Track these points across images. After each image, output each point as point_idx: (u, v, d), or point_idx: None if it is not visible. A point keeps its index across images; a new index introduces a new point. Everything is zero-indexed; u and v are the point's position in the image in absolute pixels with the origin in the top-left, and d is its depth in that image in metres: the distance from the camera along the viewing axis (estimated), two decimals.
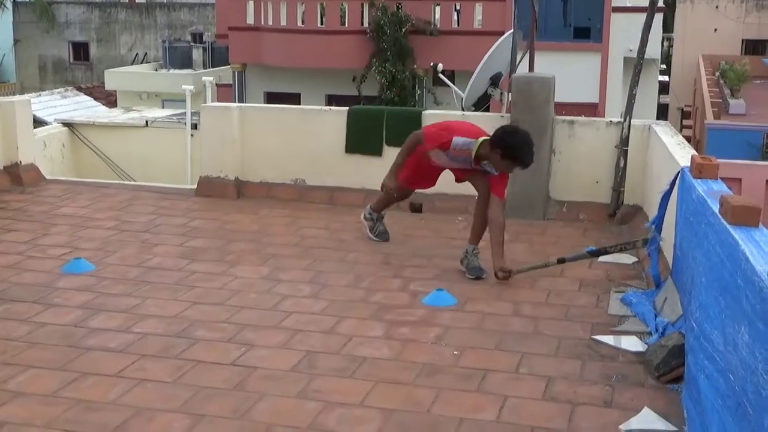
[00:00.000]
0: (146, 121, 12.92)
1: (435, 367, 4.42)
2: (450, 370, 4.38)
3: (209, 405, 3.98)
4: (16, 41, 42.38)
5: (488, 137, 5.86)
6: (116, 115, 14.29)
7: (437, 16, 22.32)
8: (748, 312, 3.06)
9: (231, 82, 24.02)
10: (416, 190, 6.93)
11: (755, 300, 2.98)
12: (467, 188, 7.69)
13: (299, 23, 22.52)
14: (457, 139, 5.96)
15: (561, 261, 5.94)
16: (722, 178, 4.80)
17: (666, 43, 42.60)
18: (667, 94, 39.69)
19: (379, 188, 6.54)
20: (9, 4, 40.30)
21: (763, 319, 2.88)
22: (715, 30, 41.15)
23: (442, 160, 6.22)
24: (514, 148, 5.73)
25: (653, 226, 5.62)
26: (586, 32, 22.37)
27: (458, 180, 6.43)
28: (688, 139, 18.28)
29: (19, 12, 41.68)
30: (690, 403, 3.83)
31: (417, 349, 4.65)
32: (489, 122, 7.73)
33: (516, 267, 5.89)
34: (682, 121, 36.67)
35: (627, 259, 6.27)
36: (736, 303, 3.24)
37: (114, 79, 31.59)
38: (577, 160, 7.55)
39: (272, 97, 22.22)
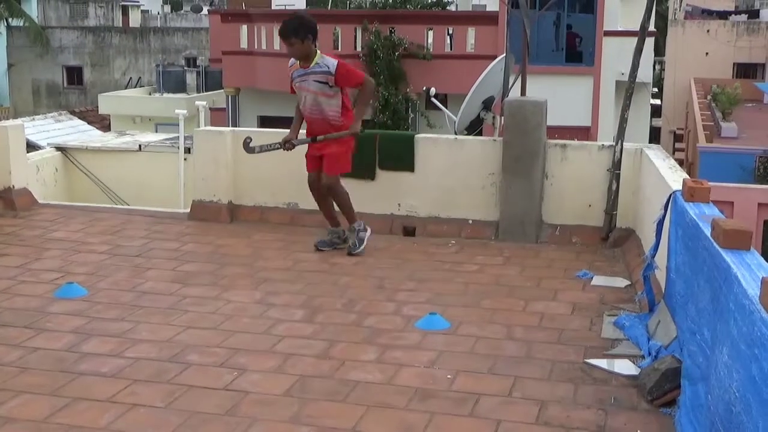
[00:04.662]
0: (139, 146, 12.91)
1: (428, 391, 4.41)
2: (443, 395, 4.37)
3: (201, 430, 3.96)
4: (9, 65, 42.49)
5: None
6: (109, 139, 14.28)
7: (430, 40, 22.42)
8: (733, 334, 3.07)
9: (224, 106, 24.09)
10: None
11: (743, 322, 2.99)
12: (460, 212, 7.74)
13: None
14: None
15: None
16: (714, 202, 4.81)
17: (658, 67, 42.85)
18: (659, 117, 39.89)
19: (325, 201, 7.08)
20: (3, 29, 40.45)
21: (746, 341, 2.89)
22: (707, 54, 41.42)
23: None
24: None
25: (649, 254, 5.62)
26: (578, 56, 22.49)
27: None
28: (680, 162, 18.32)
29: (13, 36, 41.82)
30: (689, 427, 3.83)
31: (410, 374, 4.64)
32: (482, 146, 7.79)
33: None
34: (674, 145, 36.84)
35: (620, 282, 6.28)
36: (725, 325, 3.25)
37: (108, 103, 31.66)
38: (570, 183, 7.57)
39: (266, 121, 22.25)
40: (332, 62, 6.77)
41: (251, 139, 7.08)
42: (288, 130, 7.10)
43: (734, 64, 42.05)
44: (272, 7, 28.90)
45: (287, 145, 6.95)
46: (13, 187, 8.36)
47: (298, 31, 6.71)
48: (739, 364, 2.90)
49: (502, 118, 7.74)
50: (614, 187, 7.36)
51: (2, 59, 41.91)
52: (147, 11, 59.26)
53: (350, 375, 4.60)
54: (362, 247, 6.98)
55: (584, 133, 20.33)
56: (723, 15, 45.36)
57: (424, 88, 11.64)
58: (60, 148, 12.10)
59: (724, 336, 3.20)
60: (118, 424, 4.00)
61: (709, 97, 34.44)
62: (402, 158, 7.87)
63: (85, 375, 4.55)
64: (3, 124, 8.70)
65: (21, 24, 40.45)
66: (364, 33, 22.15)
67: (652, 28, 17.68)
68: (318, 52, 6.84)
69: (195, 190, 8.31)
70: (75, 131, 21.97)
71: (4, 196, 8.30)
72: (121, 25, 51.13)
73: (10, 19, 40.39)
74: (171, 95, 32.27)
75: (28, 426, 3.97)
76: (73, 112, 28.20)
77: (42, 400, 4.24)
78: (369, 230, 7.09)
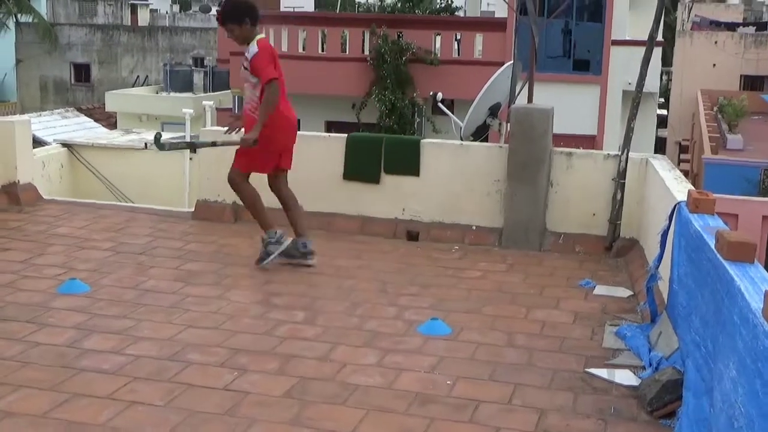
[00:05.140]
0: (145, 144, 12.92)
1: (428, 396, 4.41)
2: (443, 400, 4.37)
3: (200, 429, 3.96)
4: (17, 61, 42.53)
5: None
6: (116, 136, 14.30)
7: (438, 45, 22.43)
8: (739, 348, 3.06)
9: (231, 107, 24.10)
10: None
11: (748, 336, 2.98)
12: (464, 218, 7.74)
13: (300, 50, 22.64)
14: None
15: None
16: (719, 214, 4.81)
17: (665, 77, 42.80)
18: (665, 127, 39.84)
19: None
20: (11, 25, 40.50)
21: (751, 355, 2.88)
22: (714, 65, 41.37)
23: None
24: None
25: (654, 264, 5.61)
26: (586, 64, 22.48)
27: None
28: (685, 173, 18.33)
29: (22, 32, 41.87)
30: None
31: (410, 378, 4.63)
32: (488, 152, 7.79)
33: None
34: (679, 155, 36.79)
35: (622, 292, 6.27)
36: (730, 339, 3.24)
37: (115, 100, 31.70)
38: (574, 192, 7.57)
39: None
40: (254, 49, 6.35)
41: (161, 135, 6.88)
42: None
43: (741, 76, 42.00)
44: (280, 9, 28.90)
45: (195, 146, 6.74)
46: (19, 182, 8.38)
47: (233, 15, 6.40)
48: (744, 379, 2.90)
49: (509, 124, 7.74)
50: (619, 196, 7.35)
51: (10, 55, 41.96)
52: (156, 10, 59.31)
53: (351, 378, 4.60)
54: (267, 262, 6.53)
55: (590, 141, 20.32)
56: (731, 27, 45.31)
57: (431, 93, 11.67)
58: (66, 145, 12.12)
59: (730, 350, 3.19)
60: (117, 421, 4.00)
61: (715, 108, 34.39)
62: (407, 163, 7.87)
63: (85, 371, 4.55)
64: (10, 120, 8.73)
65: (30, 20, 40.53)
66: (372, 37, 22.17)
67: (660, 38, 17.69)
68: (256, 37, 6.41)
69: (200, 189, 8.32)
70: (81, 128, 21.98)
71: (9, 191, 8.31)
72: (129, 23, 51.16)
73: (19, 16, 40.49)
74: (178, 94, 32.29)
75: (28, 420, 3.98)
76: (80, 109, 28.20)
77: (42, 395, 4.24)
78: (284, 244, 6.58)
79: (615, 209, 7.38)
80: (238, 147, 6.52)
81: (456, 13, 30.01)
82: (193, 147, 6.64)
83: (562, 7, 20.45)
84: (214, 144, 6.85)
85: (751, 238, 3.77)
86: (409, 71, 21.78)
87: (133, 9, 53.81)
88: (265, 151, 6.46)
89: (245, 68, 6.43)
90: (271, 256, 6.54)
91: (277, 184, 6.75)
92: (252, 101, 6.49)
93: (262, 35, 6.48)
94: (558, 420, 4.18)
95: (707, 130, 29.08)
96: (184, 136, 6.74)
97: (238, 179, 6.60)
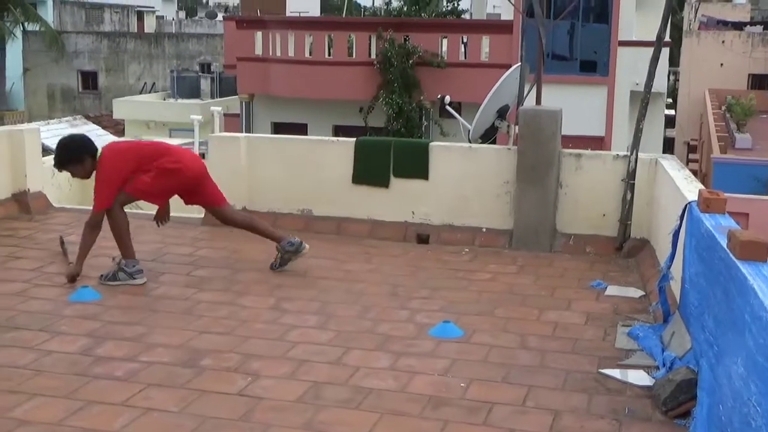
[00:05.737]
0: None
1: (441, 399, 4.41)
2: (456, 403, 4.37)
3: None
4: (25, 70, 42.70)
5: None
6: None
7: (444, 48, 22.46)
8: (749, 345, 3.06)
9: (239, 112, 24.15)
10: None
11: (759, 335, 2.98)
12: (473, 220, 7.74)
13: (307, 54, 22.67)
14: None
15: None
16: (729, 213, 4.80)
17: (672, 77, 42.74)
18: (674, 127, 39.79)
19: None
20: (19, 33, 40.66)
21: (764, 354, 2.88)
22: (722, 64, 41.32)
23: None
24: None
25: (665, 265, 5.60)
26: (593, 66, 22.47)
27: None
28: (694, 173, 18.29)
29: (29, 40, 42.05)
30: None
31: (423, 381, 4.63)
32: (496, 155, 7.79)
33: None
34: (688, 155, 36.73)
35: (634, 292, 6.26)
36: (740, 336, 3.23)
37: (122, 108, 31.79)
38: (584, 193, 7.56)
39: (279, 128, 22.31)
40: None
41: (63, 239, 7.04)
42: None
43: (749, 75, 41.94)
44: (287, 14, 28.95)
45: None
46: (29, 190, 8.40)
47: (69, 160, 6.34)
48: (756, 377, 2.89)
49: (517, 126, 7.74)
50: (629, 197, 7.34)
51: (18, 63, 42.12)
52: (162, 17, 59.53)
53: (364, 382, 4.60)
54: (111, 282, 6.24)
55: (598, 142, 20.31)
56: (738, 26, 45.25)
57: (438, 96, 11.67)
58: None
59: (739, 348, 3.19)
60: (131, 428, 4.00)
61: (723, 107, 34.34)
62: (416, 166, 7.88)
63: (99, 378, 4.56)
64: (19, 128, 8.76)
65: (37, 29, 40.69)
66: (378, 41, 22.20)
67: (667, 38, 17.69)
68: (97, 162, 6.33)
69: None
70: (89, 136, 22.03)
71: (19, 200, 8.34)
72: (136, 30, 51.36)
73: (26, 24, 40.66)
74: (185, 101, 32.36)
75: (43, 429, 3.98)
76: (87, 117, 28.25)
77: (56, 403, 4.25)
78: (139, 280, 6.29)
79: (625, 210, 7.37)
80: None
81: (462, 16, 30.02)
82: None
83: (569, 9, 20.47)
84: (62, 243, 6.97)
85: (763, 237, 3.75)
86: (416, 74, 21.81)
87: (140, 16, 54.05)
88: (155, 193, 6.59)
89: None
90: (119, 281, 6.27)
91: (222, 217, 6.87)
92: None
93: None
94: (572, 421, 4.17)
95: (715, 129, 29.04)
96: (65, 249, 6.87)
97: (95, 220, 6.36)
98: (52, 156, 6.66)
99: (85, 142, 6.48)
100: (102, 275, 6.33)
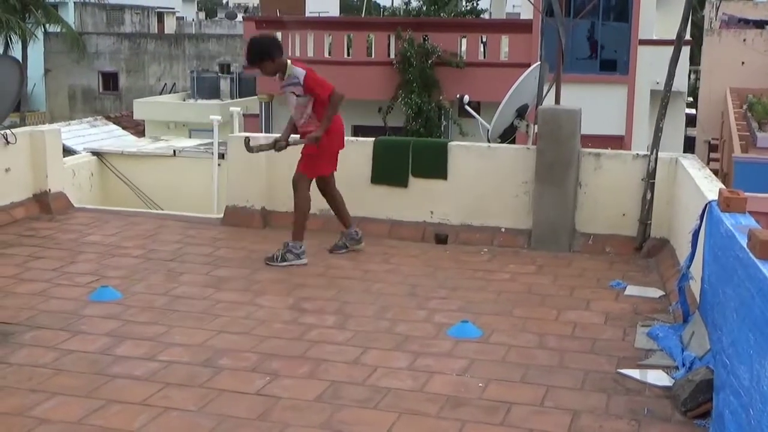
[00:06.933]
0: (174, 151, 13.01)
1: (459, 399, 4.40)
2: (475, 403, 4.36)
3: None
4: (46, 71, 42.96)
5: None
6: (144, 144, 14.41)
7: (463, 48, 22.42)
8: None
9: (258, 113, 24.20)
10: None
11: None
12: (492, 220, 7.73)
13: (326, 54, 22.70)
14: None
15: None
16: (750, 212, 4.77)
17: (693, 76, 42.50)
18: (694, 127, 39.55)
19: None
20: (40, 35, 40.91)
21: None
22: (743, 63, 41.00)
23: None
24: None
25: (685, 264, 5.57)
26: (613, 65, 22.38)
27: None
28: (715, 172, 18.18)
29: (50, 42, 42.29)
30: None
31: (441, 381, 4.63)
32: (515, 154, 7.77)
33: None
34: (709, 155, 36.47)
35: (654, 292, 6.23)
36: (764, 338, 3.21)
37: (142, 108, 31.89)
38: (604, 192, 7.53)
39: None
40: (301, 72, 6.89)
41: (250, 139, 7.20)
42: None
43: None
44: (306, 15, 29.00)
45: (277, 145, 7.07)
46: (50, 190, 8.45)
47: (263, 54, 6.86)
48: None
49: (536, 126, 7.72)
50: (649, 196, 7.31)
51: (39, 65, 42.36)
52: (182, 18, 59.76)
53: (382, 382, 4.60)
54: (280, 264, 6.82)
55: (618, 142, 20.21)
56: (760, 24, 44.89)
57: (458, 96, 11.68)
58: (95, 153, 12.23)
59: (766, 350, 3.16)
60: (150, 428, 4.03)
61: (744, 106, 34.08)
62: (435, 166, 7.87)
63: (118, 378, 4.59)
64: (40, 129, 8.80)
65: (58, 30, 40.92)
66: (397, 40, 22.19)
67: (687, 36, 17.61)
68: (288, 63, 6.96)
69: (228, 195, 8.35)
70: (110, 136, 22.12)
71: (40, 200, 8.39)
72: (156, 31, 51.58)
73: (47, 25, 40.89)
74: (205, 101, 32.42)
75: (63, 427, 4.01)
76: (108, 118, 28.39)
77: (76, 401, 4.28)
78: (303, 260, 6.88)
79: (645, 209, 7.34)
80: (302, 151, 7.00)
81: (481, 15, 29.97)
82: (276, 147, 6.99)
83: (588, 8, 20.39)
84: (287, 144, 7.16)
85: None
86: (435, 74, 21.78)
87: (160, 17, 54.27)
88: (326, 153, 7.03)
89: (294, 93, 6.90)
90: (289, 263, 6.83)
91: (329, 187, 7.27)
92: (306, 118, 6.99)
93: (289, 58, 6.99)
94: (591, 421, 4.16)
95: (736, 128, 28.79)
96: (271, 139, 7.14)
97: (302, 183, 7.00)
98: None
99: (274, 41, 7.15)
100: (269, 257, 6.85)
